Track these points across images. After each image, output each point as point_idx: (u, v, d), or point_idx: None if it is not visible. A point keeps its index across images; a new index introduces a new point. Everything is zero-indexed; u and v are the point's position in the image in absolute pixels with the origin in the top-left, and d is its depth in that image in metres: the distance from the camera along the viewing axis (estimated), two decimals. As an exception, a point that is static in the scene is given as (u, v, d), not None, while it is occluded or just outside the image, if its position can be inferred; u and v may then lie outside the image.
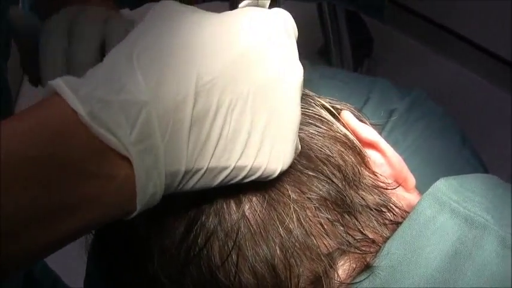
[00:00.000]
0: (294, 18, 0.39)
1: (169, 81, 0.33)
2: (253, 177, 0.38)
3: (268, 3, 0.40)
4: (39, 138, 0.31)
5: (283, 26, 0.38)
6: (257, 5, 0.40)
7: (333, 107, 0.48)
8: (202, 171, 0.35)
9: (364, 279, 0.40)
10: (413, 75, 1.83)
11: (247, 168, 0.37)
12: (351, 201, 0.42)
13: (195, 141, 0.34)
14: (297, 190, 0.41)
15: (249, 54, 0.36)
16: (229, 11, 0.38)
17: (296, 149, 0.40)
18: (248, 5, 0.40)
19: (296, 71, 0.38)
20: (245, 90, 0.35)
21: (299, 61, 0.39)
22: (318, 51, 2.04)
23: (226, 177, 0.36)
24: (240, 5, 0.39)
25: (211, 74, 0.34)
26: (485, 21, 1.83)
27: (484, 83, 1.92)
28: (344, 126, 0.47)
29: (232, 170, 0.36)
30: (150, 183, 0.33)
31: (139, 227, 0.41)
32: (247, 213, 0.40)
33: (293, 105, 0.38)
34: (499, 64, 1.89)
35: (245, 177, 0.37)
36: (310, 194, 0.41)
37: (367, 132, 0.47)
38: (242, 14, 0.37)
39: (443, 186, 0.43)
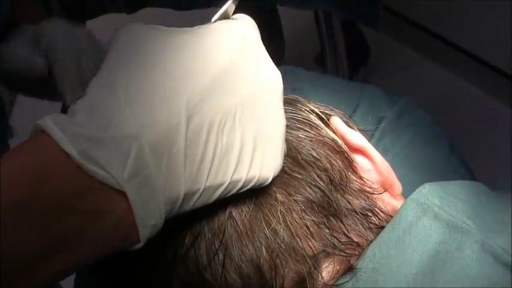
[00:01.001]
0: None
1: (160, 109, 0.33)
2: (247, 188, 0.38)
3: (231, 13, 0.41)
4: (28, 181, 0.31)
5: (254, 34, 0.39)
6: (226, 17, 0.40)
7: (322, 112, 0.49)
8: (200, 191, 0.35)
9: (346, 281, 0.41)
10: (409, 85, 1.84)
11: (242, 181, 0.37)
12: (337, 205, 0.43)
13: (191, 163, 0.34)
14: (284, 192, 0.42)
15: (230, 70, 0.36)
16: (200, 27, 0.38)
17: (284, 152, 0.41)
18: (220, 17, 0.40)
19: (275, 79, 0.39)
20: (232, 106, 0.36)
21: (275, 67, 0.40)
22: (314, 59, 2.05)
23: (222, 192, 0.37)
24: (212, 19, 0.40)
25: (199, 95, 0.34)
26: (484, 32, 1.84)
27: (481, 94, 1.93)
28: (333, 131, 0.48)
29: (228, 185, 0.37)
30: (149, 215, 0.33)
31: None
32: (234, 214, 0.40)
33: (278, 113, 0.39)
34: (496, 75, 1.90)
35: (240, 188, 0.38)
36: (297, 196, 0.42)
37: (356, 138, 0.48)
38: (215, 31, 0.38)
39: (426, 191, 0.44)
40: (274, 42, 2.15)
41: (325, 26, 1.43)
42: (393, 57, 2.13)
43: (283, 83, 0.62)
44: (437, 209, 0.42)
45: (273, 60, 0.51)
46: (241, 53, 0.37)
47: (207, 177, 0.35)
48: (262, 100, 0.38)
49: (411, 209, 0.43)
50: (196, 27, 0.38)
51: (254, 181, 0.38)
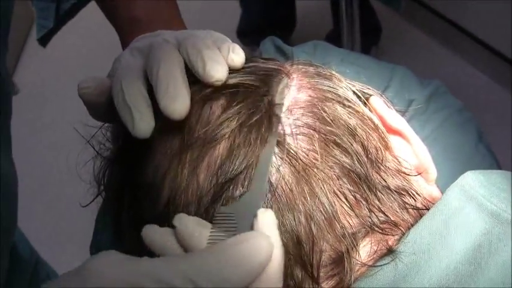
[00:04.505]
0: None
1: None
2: None
3: None
4: None
5: None
6: None
7: (361, 90, 0.48)
8: None
9: (387, 263, 0.40)
10: (418, 68, 1.83)
11: None
12: (372, 179, 0.42)
13: None
14: (322, 158, 0.41)
15: None
16: None
17: None
18: None
19: None
20: None
21: None
22: (326, 37, 2.04)
23: None
24: None
25: None
26: (497, 22, 1.83)
27: (489, 82, 1.93)
28: (369, 110, 0.47)
29: None
30: None
31: (162, 190, 0.42)
32: (274, 182, 0.40)
33: None
34: (507, 66, 1.89)
35: None
36: (333, 163, 0.41)
37: (396, 119, 0.47)
38: None
39: (470, 179, 0.43)
40: (286, 18, 2.14)
41: (345, 4, 1.41)
42: (404, 40, 2.11)
43: (314, 59, 0.61)
44: (482, 198, 0.41)
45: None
46: None
47: None
48: None
49: (455, 196, 0.42)
50: None
51: None
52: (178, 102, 0.41)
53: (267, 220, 0.37)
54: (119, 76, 0.45)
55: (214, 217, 0.39)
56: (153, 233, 0.39)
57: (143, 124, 0.41)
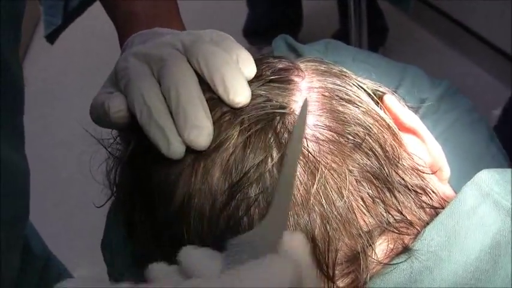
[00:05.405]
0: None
1: None
2: None
3: None
4: None
5: None
6: None
7: (373, 89, 0.48)
8: None
9: (403, 261, 0.40)
10: (425, 68, 1.83)
11: None
12: (391, 179, 0.42)
13: None
14: (340, 161, 0.41)
15: None
16: None
17: None
18: None
19: None
20: None
21: None
22: (331, 37, 2.04)
23: None
24: None
25: None
26: (503, 23, 1.83)
27: (494, 83, 1.92)
28: (382, 109, 0.47)
29: None
30: None
31: (176, 191, 0.42)
32: None
33: None
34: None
35: None
36: (353, 166, 0.41)
37: (410, 117, 0.47)
38: None
39: (486, 177, 0.43)
40: (293, 18, 2.13)
41: (354, 4, 1.40)
42: (410, 40, 2.11)
43: (326, 57, 0.61)
44: (497, 196, 0.41)
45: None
46: None
47: None
48: None
49: (471, 194, 0.42)
50: None
51: None
52: (203, 135, 0.40)
53: (295, 244, 0.32)
54: (136, 88, 0.44)
55: (226, 249, 0.34)
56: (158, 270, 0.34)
57: (178, 146, 0.41)
